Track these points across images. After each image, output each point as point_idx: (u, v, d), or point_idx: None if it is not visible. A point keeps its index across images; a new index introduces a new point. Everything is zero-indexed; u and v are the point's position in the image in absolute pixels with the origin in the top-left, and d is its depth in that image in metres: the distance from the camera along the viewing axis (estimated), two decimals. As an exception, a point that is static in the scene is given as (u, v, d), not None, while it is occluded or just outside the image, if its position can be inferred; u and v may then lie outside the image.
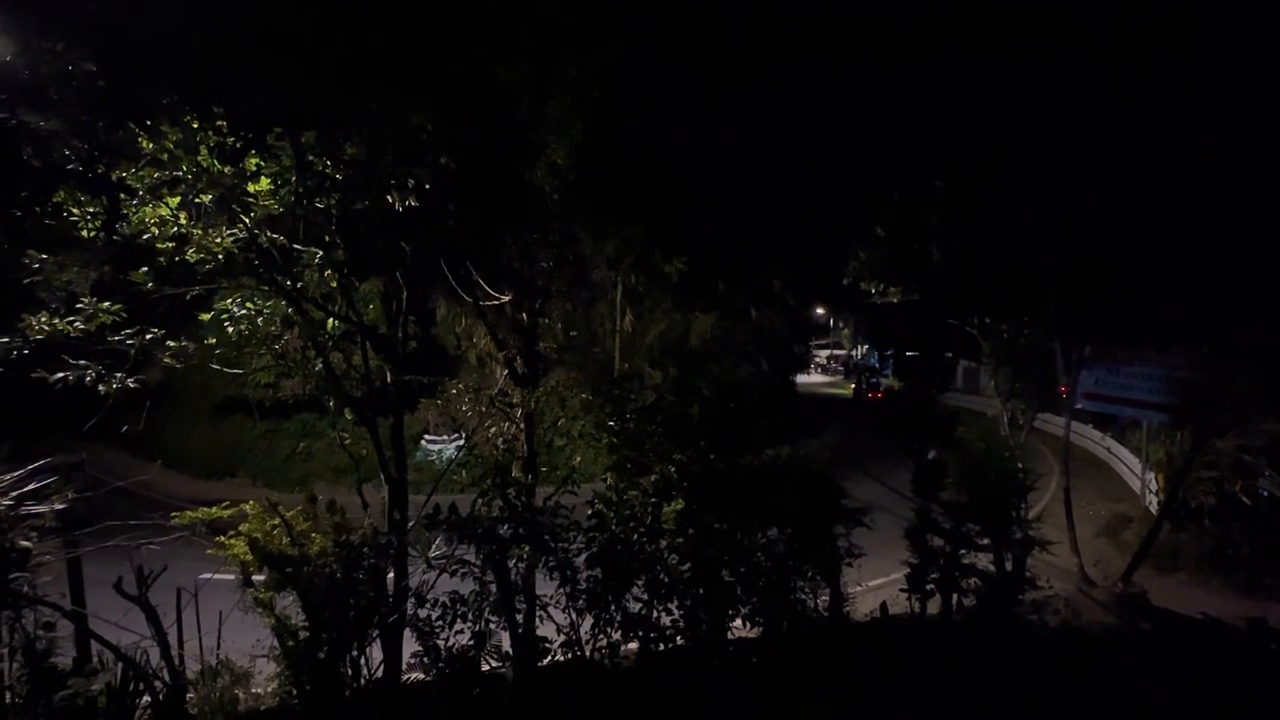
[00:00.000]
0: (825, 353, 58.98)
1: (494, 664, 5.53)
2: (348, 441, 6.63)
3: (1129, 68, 9.55)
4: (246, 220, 5.33)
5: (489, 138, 6.57)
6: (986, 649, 7.03)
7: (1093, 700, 6.39)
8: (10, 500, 4.13)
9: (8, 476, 4.20)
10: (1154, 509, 14.01)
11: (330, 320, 6.13)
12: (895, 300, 11.38)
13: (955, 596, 7.59)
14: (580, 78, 6.83)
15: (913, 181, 11.15)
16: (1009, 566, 7.77)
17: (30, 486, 4.26)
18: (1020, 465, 8.41)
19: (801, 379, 40.47)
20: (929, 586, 7.50)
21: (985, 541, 7.59)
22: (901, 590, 7.72)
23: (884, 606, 8.03)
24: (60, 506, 4.40)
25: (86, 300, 5.10)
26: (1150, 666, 7.45)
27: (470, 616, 5.35)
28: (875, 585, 9.35)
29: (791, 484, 6.43)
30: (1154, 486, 14.60)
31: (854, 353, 56.63)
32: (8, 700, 4.17)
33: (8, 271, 4.94)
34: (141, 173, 4.82)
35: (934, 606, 7.77)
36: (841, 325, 58.46)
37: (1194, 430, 10.91)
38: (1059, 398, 12.21)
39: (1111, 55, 9.80)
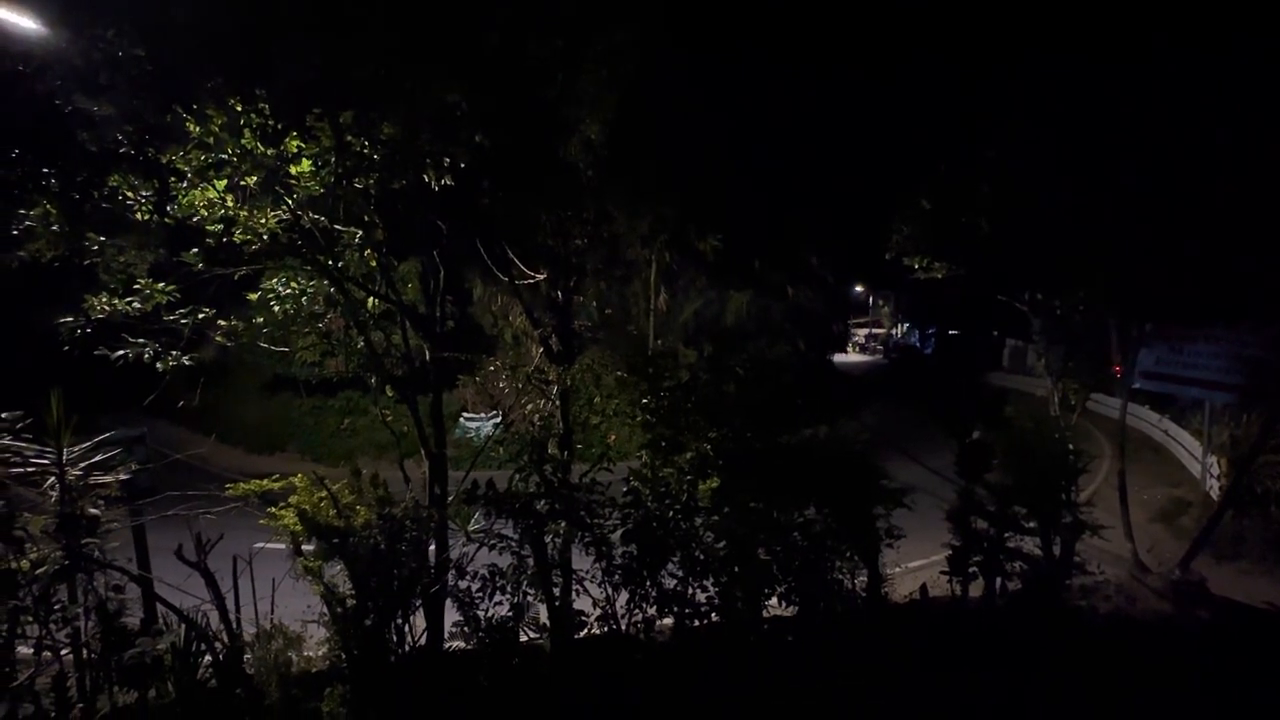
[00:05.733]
0: (864, 331, 57.70)
1: (532, 635, 5.66)
2: (389, 418, 6.80)
3: (1194, 26, 8.85)
4: (289, 202, 5.44)
5: (523, 114, 6.52)
6: (1031, 633, 6.84)
7: (1145, 688, 6.17)
8: (80, 470, 4.37)
9: (77, 449, 4.44)
10: (1215, 494, 13.35)
11: (370, 299, 6.25)
12: (940, 276, 10.95)
13: (999, 580, 7.39)
14: (614, 50, 6.69)
15: (960, 152, 10.66)
16: (1057, 551, 7.51)
17: (97, 458, 4.50)
18: (1071, 446, 8.07)
19: (839, 358, 39.79)
20: (971, 569, 7.31)
21: (1032, 525, 7.34)
22: (942, 573, 7.55)
23: (924, 589, 7.88)
24: (124, 477, 4.63)
25: (143, 281, 5.32)
26: (1208, 656, 7.14)
27: (509, 589, 5.47)
28: (915, 567, 9.19)
29: (830, 463, 6.32)
30: (1216, 471, 13.90)
31: (894, 331, 55.24)
32: (84, 656, 4.47)
33: (70, 254, 5.18)
34: (189, 156, 4.95)
35: (976, 590, 7.59)
36: (881, 303, 57.00)
37: (1264, 412, 10.27)
38: (1113, 377, 11.65)
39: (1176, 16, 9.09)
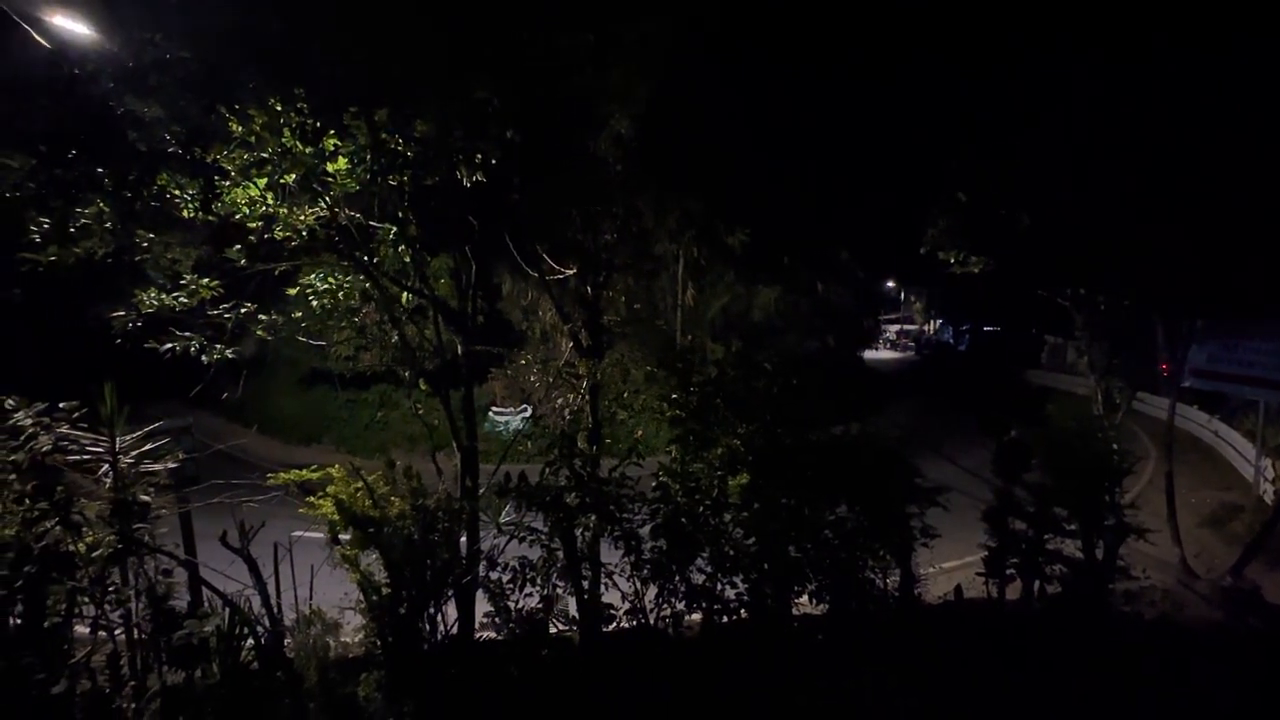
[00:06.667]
0: (895, 327, 56.64)
1: (561, 627, 5.71)
2: (421, 411, 6.91)
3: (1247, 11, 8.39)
4: (326, 199, 5.57)
5: (553, 109, 6.54)
6: (1072, 638, 6.63)
7: (1193, 697, 5.94)
8: (131, 459, 4.55)
9: (128, 437, 4.62)
10: (1269, 498, 12.77)
11: (404, 294, 6.37)
12: (976, 270, 10.63)
13: (1038, 583, 7.19)
14: (644, 42, 6.67)
15: (999, 143, 10.33)
16: (1099, 554, 7.26)
17: (147, 447, 4.68)
18: (1115, 446, 7.79)
19: (869, 354, 39.12)
20: (1009, 571, 7.13)
21: (1073, 527, 7.11)
22: (978, 574, 7.38)
23: (959, 590, 7.71)
24: (172, 465, 4.81)
25: (188, 277, 5.51)
26: (1262, 665, 6.84)
27: (538, 581, 5.53)
28: (949, 568, 9.01)
29: (861, 461, 6.22)
30: (1270, 474, 13.28)
31: (926, 327, 54.10)
32: (135, 636, 4.66)
33: (122, 251, 5.39)
34: (232, 154, 5.10)
35: (1013, 593, 7.40)
36: (913, 299, 55.82)
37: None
38: (1159, 376, 11.21)
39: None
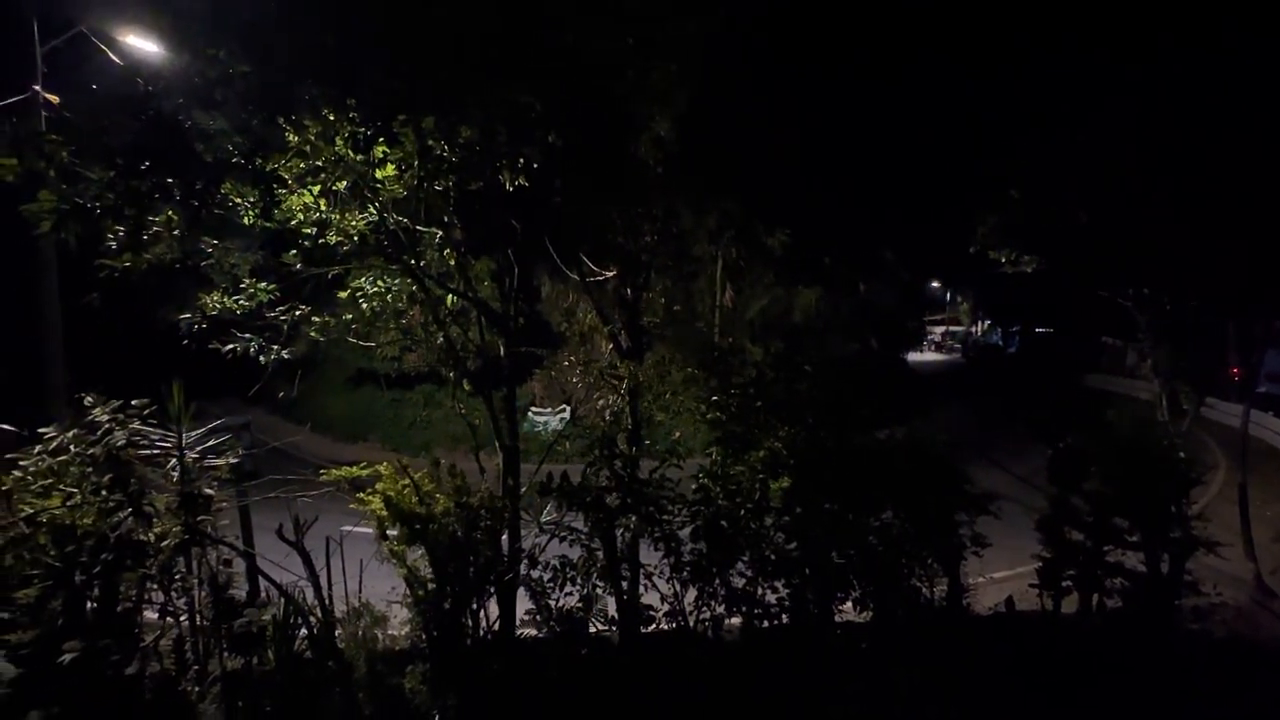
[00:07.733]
0: (940, 329, 55.00)
1: (600, 627, 5.74)
2: (464, 411, 7.06)
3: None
4: (376, 205, 5.76)
5: (594, 112, 6.59)
6: (1133, 654, 6.31)
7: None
8: (196, 454, 4.79)
9: (193, 434, 4.87)
10: (1356, 513, 11.88)
11: (449, 297, 6.52)
12: (1030, 270, 10.22)
13: (1096, 596, 6.86)
14: (683, 42, 6.66)
15: (1054, 135, 9.91)
16: (1164, 568, 6.88)
17: (210, 443, 4.92)
18: (1182, 455, 7.37)
19: (914, 357, 38.12)
20: (1065, 583, 6.83)
21: (1135, 538, 6.76)
22: (1031, 585, 7.09)
23: (1010, 601, 7.42)
24: (233, 461, 5.04)
25: (247, 281, 5.77)
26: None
27: (579, 580, 5.57)
28: (1000, 578, 8.67)
29: (907, 465, 6.06)
30: (1357, 486, 12.36)
31: (973, 329, 52.37)
32: (198, 623, 4.90)
33: (188, 256, 5.68)
34: (289, 163, 5.33)
35: (1069, 606, 7.09)
36: (960, 300, 54.11)
37: None
38: (1230, 380, 10.56)
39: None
